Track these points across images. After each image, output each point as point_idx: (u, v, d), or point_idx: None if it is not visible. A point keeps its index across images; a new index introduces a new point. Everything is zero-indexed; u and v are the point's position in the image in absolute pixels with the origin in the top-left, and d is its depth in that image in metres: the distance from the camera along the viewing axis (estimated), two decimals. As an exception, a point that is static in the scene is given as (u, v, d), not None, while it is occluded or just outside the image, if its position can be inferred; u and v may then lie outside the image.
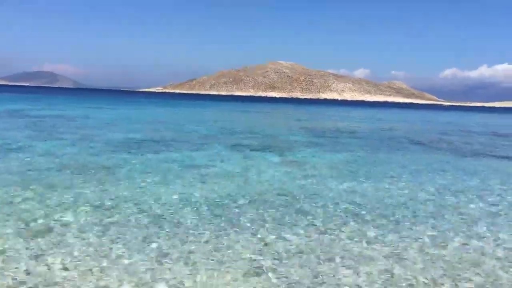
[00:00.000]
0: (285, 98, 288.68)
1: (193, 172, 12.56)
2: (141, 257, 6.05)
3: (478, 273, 6.01)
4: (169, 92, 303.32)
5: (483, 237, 7.62)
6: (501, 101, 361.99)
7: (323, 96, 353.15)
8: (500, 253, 6.86)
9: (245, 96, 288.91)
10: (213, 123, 35.39)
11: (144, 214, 8.09)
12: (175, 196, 9.53)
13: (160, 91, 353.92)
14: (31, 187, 9.80)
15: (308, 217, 8.36)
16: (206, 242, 6.75)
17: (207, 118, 44.71)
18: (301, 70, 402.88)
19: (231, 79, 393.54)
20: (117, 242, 6.57)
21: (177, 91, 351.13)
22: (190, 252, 6.33)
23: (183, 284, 5.28)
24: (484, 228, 8.15)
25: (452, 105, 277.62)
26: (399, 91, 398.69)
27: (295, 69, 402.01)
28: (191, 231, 7.23)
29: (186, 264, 5.88)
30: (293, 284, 5.42)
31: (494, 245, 7.22)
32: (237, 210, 8.67)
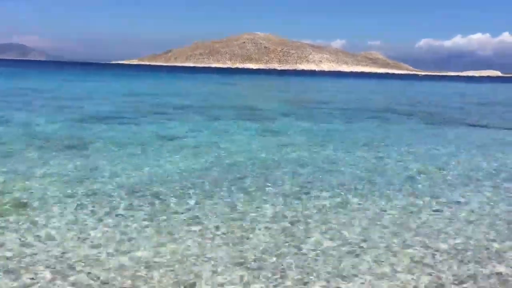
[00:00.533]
0: (263, 69, 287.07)
1: (169, 143, 12.47)
2: (117, 227, 6.02)
3: (450, 236, 6.16)
4: (144, 65, 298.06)
5: (455, 202, 7.80)
6: (475, 70, 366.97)
7: (300, 67, 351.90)
8: (472, 217, 7.04)
9: (223, 68, 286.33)
10: (189, 95, 35.04)
11: (119, 185, 8.02)
12: (151, 168, 9.46)
13: (136, 63, 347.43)
14: (3, 159, 9.59)
15: (284, 185, 8.42)
16: (182, 212, 6.74)
17: (184, 90, 44.22)
18: (278, 41, 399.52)
19: (207, 50, 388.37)
20: (92, 214, 6.51)
21: (153, 63, 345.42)
22: (166, 221, 6.32)
23: (160, 252, 5.28)
24: (456, 194, 8.34)
25: (428, 75, 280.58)
26: (375, 62, 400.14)
27: (271, 40, 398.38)
28: (167, 202, 7.20)
29: (161, 233, 5.87)
30: (268, 249, 5.47)
31: (465, 210, 7.40)
32: (212, 180, 8.66)
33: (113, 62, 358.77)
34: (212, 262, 5.08)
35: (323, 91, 50.83)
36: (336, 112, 24.04)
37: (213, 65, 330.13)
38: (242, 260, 5.16)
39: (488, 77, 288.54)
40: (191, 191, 7.83)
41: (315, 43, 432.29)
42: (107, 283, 4.54)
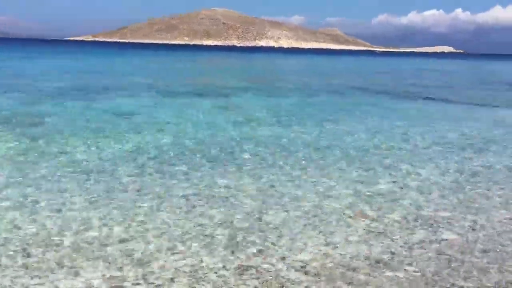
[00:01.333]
0: (222, 46, 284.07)
1: (126, 121, 12.18)
2: (72, 206, 5.85)
3: (401, 206, 6.34)
4: (99, 41, 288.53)
5: (408, 174, 8.02)
6: (431, 46, 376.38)
7: (259, 43, 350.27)
8: (423, 187, 7.26)
9: (181, 44, 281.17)
10: (146, 73, 34.31)
11: (74, 165, 7.78)
12: (107, 147, 9.22)
13: (90, 39, 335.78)
14: None
15: (241, 161, 8.42)
16: (139, 190, 6.62)
17: (140, 67, 43.24)
18: (237, 17, 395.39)
19: (164, 26, 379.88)
20: (44, 195, 6.30)
21: (108, 39, 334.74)
22: (123, 200, 6.19)
23: (113, 229, 5.17)
24: (408, 166, 8.56)
25: (386, 51, 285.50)
26: (334, 38, 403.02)
27: (230, 16, 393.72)
28: (124, 181, 7.06)
29: (119, 209, 5.76)
30: (225, 223, 5.47)
31: (417, 181, 7.63)
32: (171, 159, 8.54)
33: (69, 38, 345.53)
34: (167, 236, 5.03)
35: (283, 67, 50.88)
36: (295, 88, 24.14)
37: (171, 42, 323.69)
38: (197, 233, 5.14)
39: (442, 52, 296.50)
40: (147, 169, 7.70)
41: (274, 19, 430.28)
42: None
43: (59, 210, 5.72)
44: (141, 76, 29.02)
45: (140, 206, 5.97)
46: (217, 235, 5.17)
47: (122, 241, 4.92)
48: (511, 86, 33.33)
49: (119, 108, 14.54)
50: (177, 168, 7.83)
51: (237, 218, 5.69)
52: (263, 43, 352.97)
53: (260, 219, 5.70)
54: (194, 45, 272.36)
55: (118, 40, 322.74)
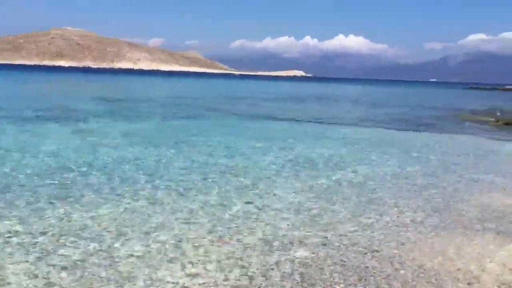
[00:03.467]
0: (76, 67, 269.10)
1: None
2: None
3: (258, 227, 6.48)
4: None
5: (263, 194, 8.27)
6: (283, 70, 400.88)
7: (117, 65, 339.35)
8: (278, 207, 7.53)
9: (29, 65, 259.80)
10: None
11: None
12: None
13: None
14: None
15: (94, 186, 7.90)
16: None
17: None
18: (92, 38, 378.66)
19: (10, 46, 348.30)
20: None
21: None
22: None
23: None
24: (264, 186, 8.85)
25: (243, 74, 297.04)
26: (193, 61, 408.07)
27: (85, 36, 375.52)
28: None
29: None
30: (74, 260, 5.03)
31: (272, 201, 7.90)
32: (13, 189, 7.68)
33: None
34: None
35: (142, 89, 49.83)
36: (156, 110, 23.74)
37: (17, 62, 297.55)
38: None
39: (294, 76, 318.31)
40: (-19, 207, 6.80)
41: (133, 41, 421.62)
42: None
43: None
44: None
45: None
46: (62, 277, 4.72)
47: None
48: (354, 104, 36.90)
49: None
50: (19, 200, 7.04)
51: (90, 254, 5.27)
52: (121, 65, 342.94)
53: (114, 252, 5.35)
54: (45, 66, 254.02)
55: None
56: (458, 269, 5.21)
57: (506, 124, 22.88)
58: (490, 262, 5.44)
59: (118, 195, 7.76)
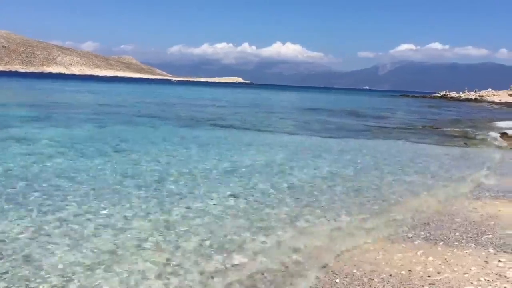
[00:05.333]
0: (2, 71, 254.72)
1: None
2: None
3: (197, 233, 6.44)
4: None
5: (201, 200, 8.22)
6: (222, 76, 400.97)
7: (48, 69, 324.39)
8: (216, 213, 7.52)
9: None
10: None
11: None
12: None
13: None
14: None
15: (26, 197, 7.51)
16: None
17: None
18: (20, 41, 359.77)
19: None
20: None
21: None
22: None
23: None
24: (202, 192, 8.80)
25: (181, 80, 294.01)
26: (129, 66, 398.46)
27: (12, 39, 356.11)
28: None
29: None
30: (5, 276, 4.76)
31: (210, 206, 7.88)
32: None
33: None
34: None
35: (73, 95, 47.99)
36: (87, 117, 22.93)
37: None
38: None
39: (233, 82, 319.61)
40: None
41: (65, 44, 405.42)
42: None
43: None
44: None
45: None
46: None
47: None
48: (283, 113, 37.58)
49: None
50: None
51: (14, 267, 5.00)
52: (51, 69, 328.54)
53: (44, 263, 5.11)
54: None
55: None
56: (390, 275, 5.42)
57: (434, 128, 24.23)
58: (420, 264, 5.72)
59: (42, 204, 7.43)
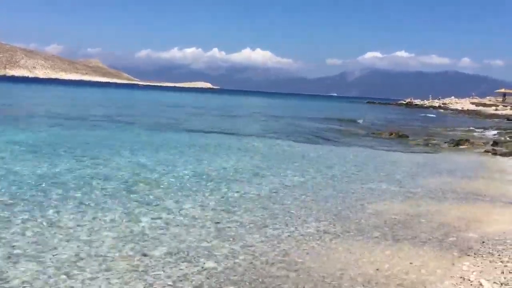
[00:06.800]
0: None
1: None
2: None
3: (165, 241, 6.35)
4: None
5: (170, 208, 8.12)
6: (190, 81, 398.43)
7: (10, 72, 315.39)
8: (185, 221, 7.44)
9: None
10: None
11: None
12: None
13: None
14: None
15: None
16: None
17: None
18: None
19: None
20: None
21: None
22: None
23: None
24: (171, 200, 8.70)
25: (148, 85, 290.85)
26: (95, 70, 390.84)
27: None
28: None
29: None
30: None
31: (179, 214, 7.78)
32: None
33: None
34: None
35: (38, 99, 46.75)
36: (47, 121, 22.33)
37: None
38: None
39: (201, 88, 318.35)
40: None
41: (28, 47, 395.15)
42: None
43: None
44: None
45: None
46: None
47: None
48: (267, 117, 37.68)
49: None
50: None
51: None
52: (14, 72, 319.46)
53: (6, 275, 4.93)
54: None
55: None
56: (359, 274, 5.48)
57: (400, 136, 24.70)
58: (387, 266, 5.80)
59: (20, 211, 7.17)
